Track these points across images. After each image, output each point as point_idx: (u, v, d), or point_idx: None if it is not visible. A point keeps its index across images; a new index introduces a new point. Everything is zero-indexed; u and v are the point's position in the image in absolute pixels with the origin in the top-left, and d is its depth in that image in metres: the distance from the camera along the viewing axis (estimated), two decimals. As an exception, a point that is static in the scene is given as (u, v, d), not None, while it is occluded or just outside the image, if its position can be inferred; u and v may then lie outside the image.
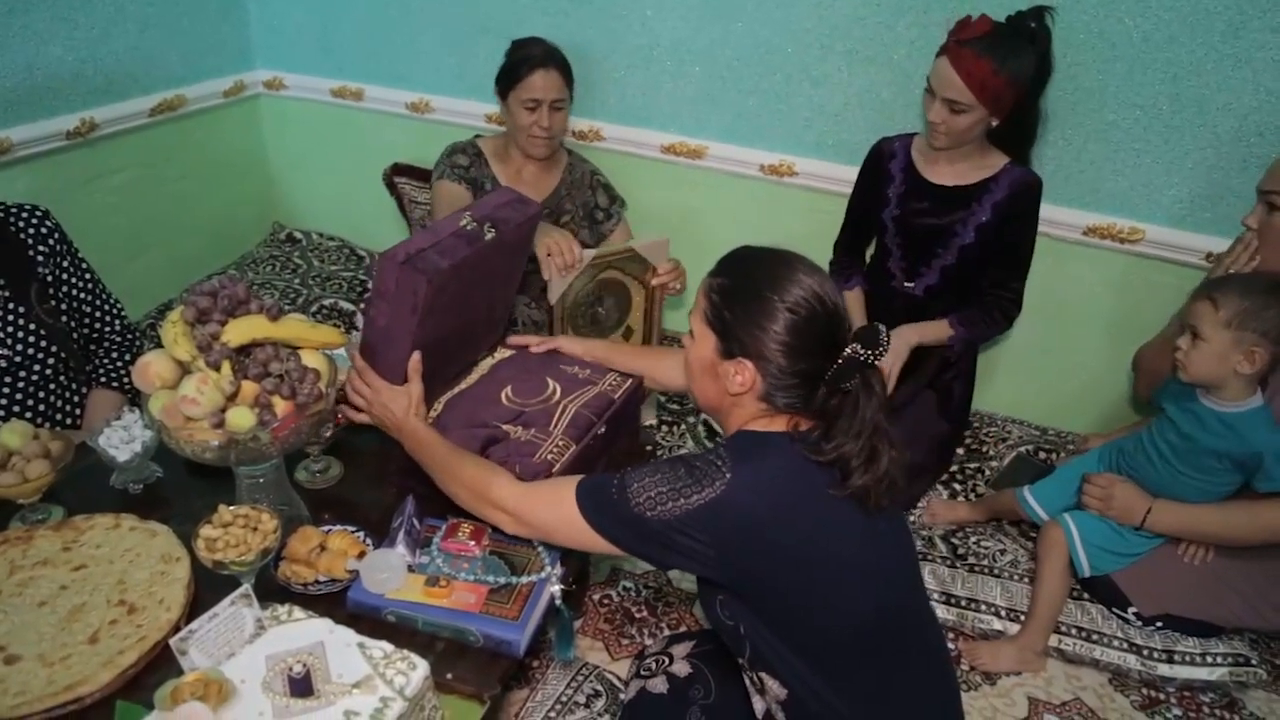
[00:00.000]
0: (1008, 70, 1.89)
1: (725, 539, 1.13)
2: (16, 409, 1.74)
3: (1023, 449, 2.40)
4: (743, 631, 1.19)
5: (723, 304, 1.20)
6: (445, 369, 1.64)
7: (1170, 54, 2.02)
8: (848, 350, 1.13)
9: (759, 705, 1.25)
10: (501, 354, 1.76)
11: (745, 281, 1.20)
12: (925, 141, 2.14)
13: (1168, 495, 1.86)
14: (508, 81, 2.25)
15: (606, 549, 1.22)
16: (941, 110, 1.97)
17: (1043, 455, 2.38)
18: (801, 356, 1.16)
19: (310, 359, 1.38)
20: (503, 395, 1.58)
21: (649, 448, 2.31)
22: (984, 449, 2.42)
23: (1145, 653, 1.90)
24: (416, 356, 1.47)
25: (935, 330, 2.22)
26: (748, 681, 1.26)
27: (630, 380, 1.69)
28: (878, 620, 1.18)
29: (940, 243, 2.18)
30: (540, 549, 1.37)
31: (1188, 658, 1.89)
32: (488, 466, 1.36)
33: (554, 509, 1.24)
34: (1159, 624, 1.91)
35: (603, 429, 1.56)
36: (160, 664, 1.17)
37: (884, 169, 2.22)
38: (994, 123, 2.00)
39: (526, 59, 2.23)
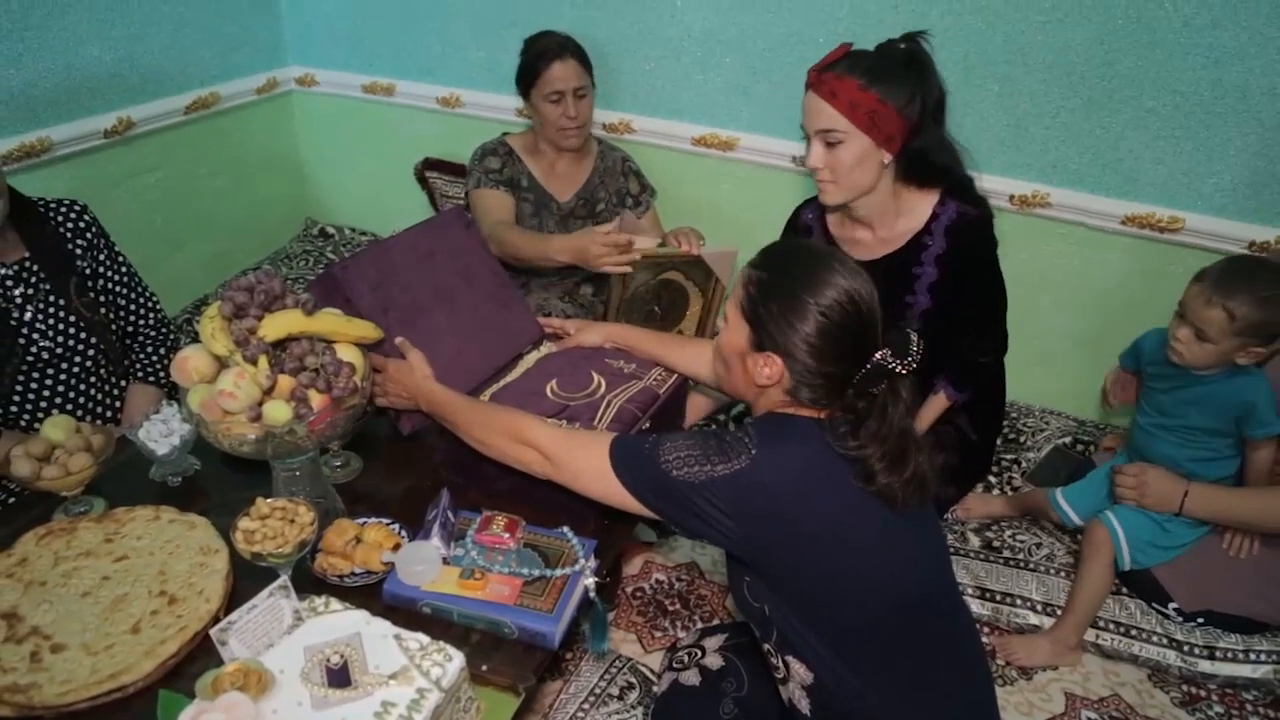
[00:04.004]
0: (877, 87, 1.63)
1: (745, 512, 1.15)
2: (59, 400, 1.78)
3: (1060, 441, 2.37)
4: (768, 613, 1.20)
5: (759, 297, 1.21)
6: (478, 361, 1.66)
7: (1212, 38, 1.98)
8: (876, 357, 1.15)
9: (784, 692, 1.25)
10: (547, 348, 1.79)
11: (783, 278, 1.20)
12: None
13: (1176, 463, 1.88)
14: (528, 79, 2.26)
15: (628, 503, 1.25)
16: (818, 149, 1.70)
17: (1080, 447, 2.35)
18: (829, 360, 1.17)
19: (345, 353, 1.39)
20: (548, 389, 1.59)
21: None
22: (1021, 439, 2.39)
23: (1186, 649, 1.87)
24: (400, 339, 1.55)
25: (935, 409, 2.00)
26: (773, 667, 1.26)
27: (675, 376, 1.69)
28: (901, 611, 1.18)
29: (897, 315, 1.90)
30: (574, 541, 1.37)
31: (1230, 654, 1.85)
32: (519, 411, 1.42)
33: (587, 455, 1.28)
34: (1200, 619, 1.88)
35: (647, 424, 1.56)
36: (200, 654, 1.19)
37: None
38: (886, 159, 1.71)
39: (543, 53, 2.23)
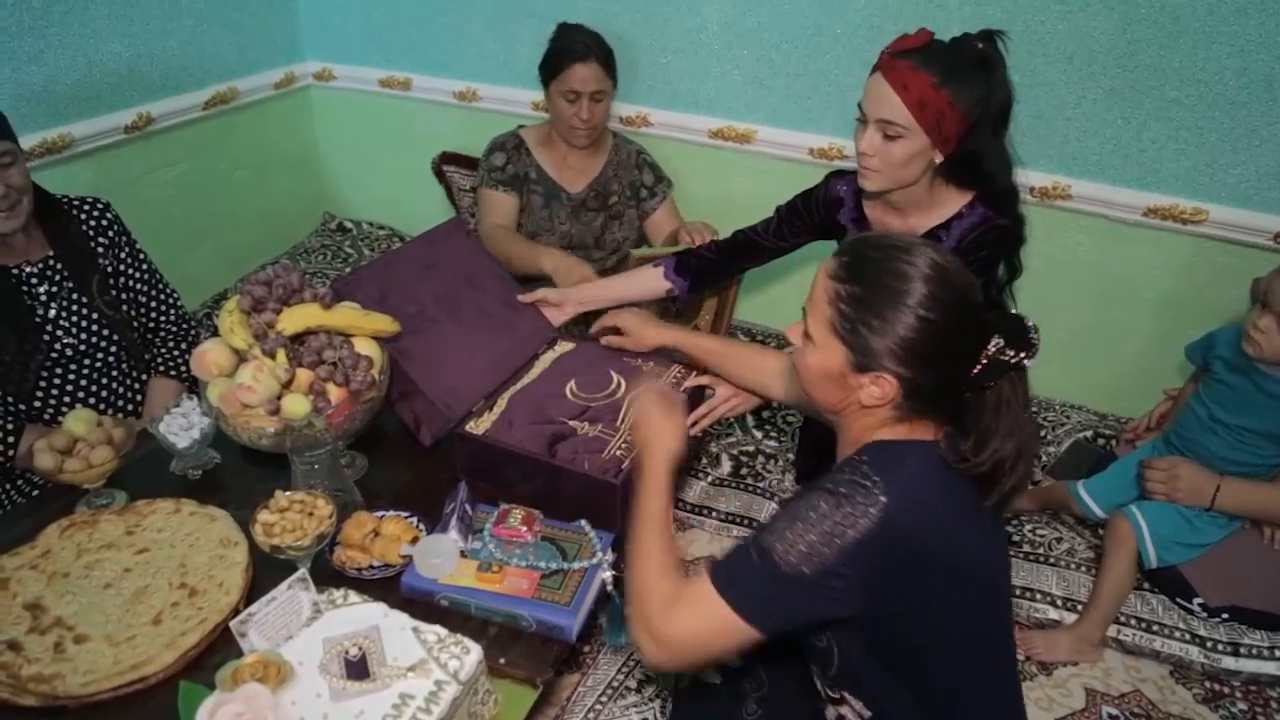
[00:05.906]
0: (950, 88, 1.54)
1: (878, 571, 1.00)
2: (81, 395, 1.79)
3: (1081, 435, 2.35)
4: (836, 651, 1.10)
5: (855, 315, 1.06)
6: (491, 366, 1.66)
7: (1238, 27, 1.95)
8: (991, 349, 1.06)
9: (831, 713, 1.19)
10: (563, 347, 1.79)
11: (875, 285, 1.06)
12: None
13: (1218, 460, 1.84)
14: (550, 71, 2.26)
15: (760, 638, 1.04)
16: (874, 137, 1.61)
17: (1101, 441, 2.33)
18: (941, 361, 1.06)
19: (363, 346, 1.39)
20: (567, 390, 1.59)
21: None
22: (1041, 433, 2.37)
23: (1209, 645, 1.85)
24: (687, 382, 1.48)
25: None
26: (822, 691, 1.18)
27: (693, 373, 1.68)
28: (986, 639, 1.12)
29: None
30: (591, 534, 1.37)
31: (1254, 651, 1.84)
32: (674, 585, 1.11)
33: (696, 610, 1.05)
34: (1225, 615, 1.86)
35: None
36: (220, 645, 1.20)
37: (834, 220, 1.87)
38: (937, 159, 1.63)
39: (568, 49, 2.23)
